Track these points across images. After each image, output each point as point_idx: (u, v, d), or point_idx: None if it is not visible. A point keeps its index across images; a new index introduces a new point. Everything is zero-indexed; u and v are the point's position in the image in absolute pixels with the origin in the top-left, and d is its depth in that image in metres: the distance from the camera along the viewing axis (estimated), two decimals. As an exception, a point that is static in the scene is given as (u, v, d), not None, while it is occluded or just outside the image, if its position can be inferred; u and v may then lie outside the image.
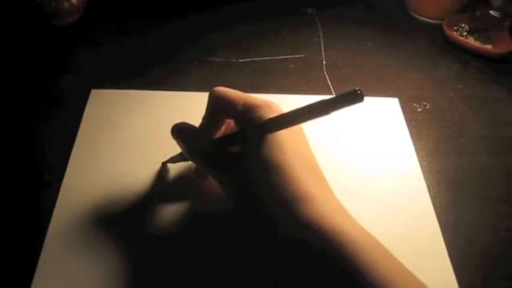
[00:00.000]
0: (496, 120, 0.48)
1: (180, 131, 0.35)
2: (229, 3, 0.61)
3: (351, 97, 0.24)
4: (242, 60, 0.53)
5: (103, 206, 0.36)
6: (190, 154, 0.35)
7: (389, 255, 0.26)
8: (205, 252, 0.34)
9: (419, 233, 0.36)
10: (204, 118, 0.35)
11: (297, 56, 0.54)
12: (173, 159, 0.38)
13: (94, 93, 0.46)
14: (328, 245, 0.25)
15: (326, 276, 0.26)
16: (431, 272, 0.33)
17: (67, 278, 0.32)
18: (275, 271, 0.30)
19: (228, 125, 0.35)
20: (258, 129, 0.31)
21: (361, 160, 0.42)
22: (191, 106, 0.40)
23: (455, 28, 0.57)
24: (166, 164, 0.39)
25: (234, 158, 0.32)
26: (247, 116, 0.32)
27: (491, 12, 0.59)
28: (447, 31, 0.57)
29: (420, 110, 0.48)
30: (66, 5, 0.53)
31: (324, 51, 0.55)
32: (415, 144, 0.44)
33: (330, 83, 0.50)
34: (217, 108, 0.34)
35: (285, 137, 0.30)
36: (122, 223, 0.35)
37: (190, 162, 0.38)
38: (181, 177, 0.39)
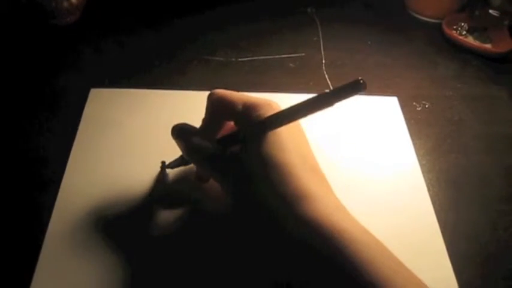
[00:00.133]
0: (495, 119, 0.48)
1: (180, 132, 0.34)
2: (229, 3, 0.61)
3: (354, 87, 0.25)
4: (242, 59, 0.53)
5: (102, 205, 0.36)
6: (190, 155, 0.35)
7: (389, 254, 0.26)
8: (204, 252, 0.34)
9: (418, 232, 0.36)
10: (204, 120, 0.35)
11: (297, 55, 0.54)
12: (172, 165, 0.38)
13: (93, 92, 0.46)
14: (328, 243, 0.26)
15: (326, 274, 0.26)
16: (430, 271, 0.33)
17: (66, 278, 0.32)
18: (275, 270, 0.30)
19: (228, 126, 0.35)
20: (258, 127, 0.30)
21: (361, 159, 0.42)
22: (191, 105, 0.40)
23: (455, 27, 0.57)
24: (165, 164, 0.39)
25: (234, 158, 0.32)
26: (247, 116, 0.32)
27: (490, 11, 0.59)
28: (446, 30, 0.57)
29: (419, 109, 0.48)
30: (65, 4, 0.53)
31: (324, 50, 0.55)
32: (414, 143, 0.44)
33: (329, 82, 0.50)
34: (217, 111, 0.34)
35: (285, 135, 0.30)
36: (121, 223, 0.35)
37: (190, 165, 0.38)
38: (182, 177, 0.39)
